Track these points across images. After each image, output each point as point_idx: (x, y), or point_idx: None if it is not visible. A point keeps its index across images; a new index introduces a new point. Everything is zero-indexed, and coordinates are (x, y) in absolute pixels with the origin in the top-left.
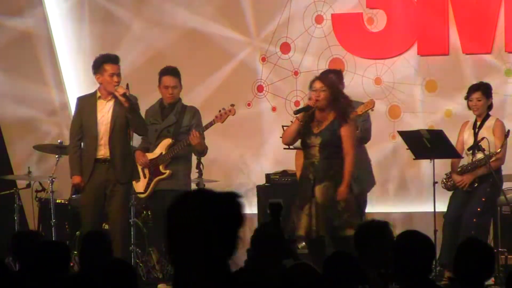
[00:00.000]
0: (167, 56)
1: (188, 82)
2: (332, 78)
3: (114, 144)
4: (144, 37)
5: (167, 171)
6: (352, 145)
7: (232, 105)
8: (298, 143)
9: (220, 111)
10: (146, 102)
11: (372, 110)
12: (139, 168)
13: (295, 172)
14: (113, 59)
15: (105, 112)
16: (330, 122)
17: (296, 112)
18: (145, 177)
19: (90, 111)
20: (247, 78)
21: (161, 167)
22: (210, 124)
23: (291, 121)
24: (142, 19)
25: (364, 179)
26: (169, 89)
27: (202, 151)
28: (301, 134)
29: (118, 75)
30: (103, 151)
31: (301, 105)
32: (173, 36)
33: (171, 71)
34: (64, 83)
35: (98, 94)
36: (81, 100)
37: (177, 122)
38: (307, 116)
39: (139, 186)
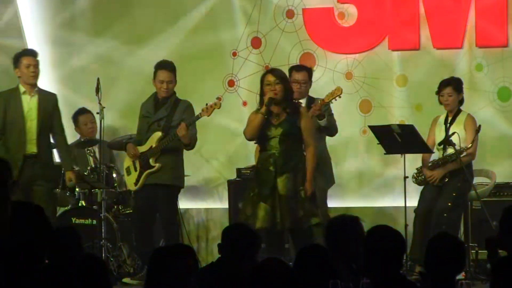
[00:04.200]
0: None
1: None
2: (283, 72)
3: (41, 139)
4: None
5: (157, 165)
6: (312, 136)
7: (218, 98)
8: None
9: (206, 104)
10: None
11: (340, 97)
12: (130, 161)
13: None
14: (27, 52)
15: (31, 107)
16: (288, 113)
17: (268, 105)
18: (136, 170)
19: (16, 107)
20: (218, 72)
21: (151, 161)
22: (197, 117)
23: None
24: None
25: (329, 176)
26: (164, 84)
27: (188, 144)
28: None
29: (35, 66)
30: (31, 147)
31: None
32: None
33: (167, 66)
34: None
35: (22, 89)
36: (1, 96)
37: (168, 116)
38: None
39: (130, 179)
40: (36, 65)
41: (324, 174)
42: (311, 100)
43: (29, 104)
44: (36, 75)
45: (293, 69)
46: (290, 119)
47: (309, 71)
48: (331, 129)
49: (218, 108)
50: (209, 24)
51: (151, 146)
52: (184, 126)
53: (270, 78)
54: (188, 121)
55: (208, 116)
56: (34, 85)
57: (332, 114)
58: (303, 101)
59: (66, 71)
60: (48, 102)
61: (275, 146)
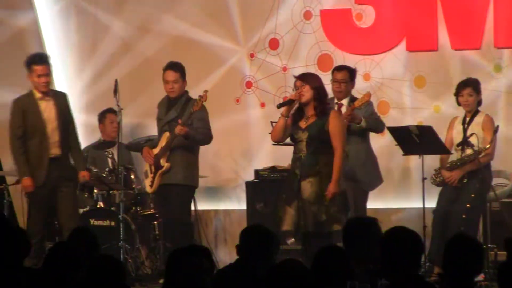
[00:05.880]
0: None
1: None
2: (312, 74)
3: (63, 141)
4: (131, 43)
5: (166, 164)
6: (341, 140)
7: (206, 91)
8: (289, 140)
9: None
10: (135, 106)
11: (368, 102)
12: (147, 164)
13: (284, 168)
14: (39, 60)
15: (49, 111)
16: (317, 117)
17: (279, 106)
18: (151, 172)
19: (35, 112)
20: (236, 74)
21: (161, 161)
22: (190, 113)
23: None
24: (127, 24)
25: (372, 177)
26: (169, 84)
27: (194, 140)
28: (289, 130)
29: (47, 75)
30: (54, 150)
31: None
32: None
33: (172, 66)
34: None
35: (37, 95)
36: (19, 102)
37: (178, 116)
38: (291, 111)
39: (147, 181)
40: (48, 73)
41: (366, 176)
42: (353, 100)
43: (47, 108)
44: (47, 84)
45: (335, 69)
46: (318, 122)
47: (351, 71)
48: (374, 129)
49: (205, 101)
50: (226, 25)
51: (161, 147)
52: (179, 126)
53: (297, 82)
54: (183, 119)
55: (198, 109)
56: (47, 92)
57: (375, 113)
58: (345, 101)
59: None
60: (62, 102)
61: (302, 149)
